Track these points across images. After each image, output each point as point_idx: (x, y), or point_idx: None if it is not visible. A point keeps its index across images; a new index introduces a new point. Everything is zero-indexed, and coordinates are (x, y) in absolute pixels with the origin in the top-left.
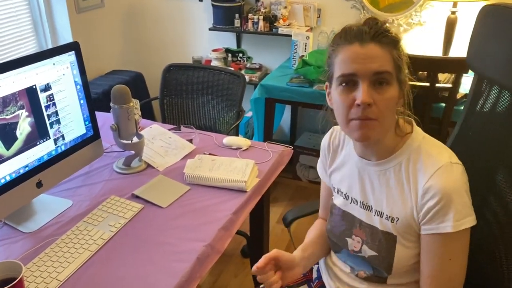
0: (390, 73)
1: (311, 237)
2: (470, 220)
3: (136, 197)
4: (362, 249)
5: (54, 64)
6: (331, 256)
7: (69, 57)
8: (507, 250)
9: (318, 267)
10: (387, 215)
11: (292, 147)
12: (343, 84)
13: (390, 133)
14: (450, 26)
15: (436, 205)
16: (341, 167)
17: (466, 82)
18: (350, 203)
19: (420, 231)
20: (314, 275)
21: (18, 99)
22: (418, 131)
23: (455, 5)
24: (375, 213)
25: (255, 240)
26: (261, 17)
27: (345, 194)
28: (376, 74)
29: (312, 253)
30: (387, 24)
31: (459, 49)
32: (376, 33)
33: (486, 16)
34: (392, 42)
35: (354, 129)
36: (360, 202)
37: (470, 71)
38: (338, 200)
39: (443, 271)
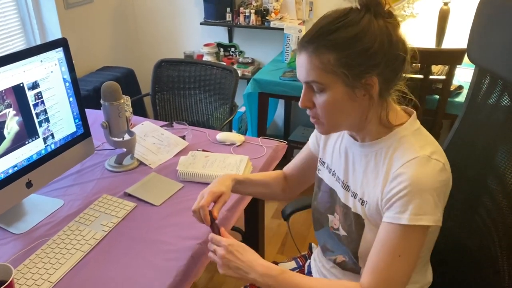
0: (317, 82)
1: (258, 178)
2: (429, 219)
3: (129, 196)
4: (339, 227)
5: (41, 61)
6: (317, 253)
7: (57, 54)
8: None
9: (309, 262)
10: (359, 197)
11: (286, 142)
12: None
13: (368, 123)
14: (443, 18)
15: (398, 192)
16: (335, 144)
17: (460, 74)
18: (335, 180)
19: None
20: (306, 270)
21: (5, 97)
22: (413, 123)
23: None
24: (351, 193)
25: (250, 236)
26: (252, 11)
27: (333, 171)
28: (306, 83)
29: (247, 191)
30: (339, 22)
31: (452, 40)
32: (309, 40)
33: (485, 7)
34: (324, 47)
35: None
36: (341, 181)
37: (463, 63)
38: (325, 175)
39: (389, 266)
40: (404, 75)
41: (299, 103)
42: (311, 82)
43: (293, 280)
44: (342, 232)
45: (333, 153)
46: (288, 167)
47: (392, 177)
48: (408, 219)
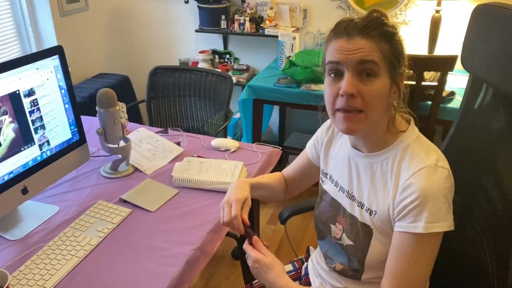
0: (376, 64)
1: (266, 181)
2: (443, 225)
3: (124, 202)
4: (342, 237)
5: (37, 68)
6: (316, 255)
7: (53, 61)
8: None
9: (306, 265)
10: (367, 207)
11: (281, 148)
12: (332, 75)
13: (381, 128)
14: (435, 25)
15: (411, 203)
16: (337, 154)
17: (452, 80)
18: (339, 191)
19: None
20: (303, 272)
21: (1, 104)
22: (413, 130)
23: (439, 3)
24: (357, 204)
25: None
26: (247, 18)
27: (335, 182)
28: (361, 63)
29: (256, 195)
30: (384, 18)
31: (444, 47)
32: (364, 27)
33: (478, 16)
34: (382, 35)
35: (340, 121)
36: (346, 191)
37: (455, 69)
38: (328, 186)
39: (407, 272)
40: None
41: (345, 89)
42: (368, 62)
43: None
44: (346, 242)
45: (335, 164)
46: (287, 171)
47: (402, 188)
48: (424, 227)
